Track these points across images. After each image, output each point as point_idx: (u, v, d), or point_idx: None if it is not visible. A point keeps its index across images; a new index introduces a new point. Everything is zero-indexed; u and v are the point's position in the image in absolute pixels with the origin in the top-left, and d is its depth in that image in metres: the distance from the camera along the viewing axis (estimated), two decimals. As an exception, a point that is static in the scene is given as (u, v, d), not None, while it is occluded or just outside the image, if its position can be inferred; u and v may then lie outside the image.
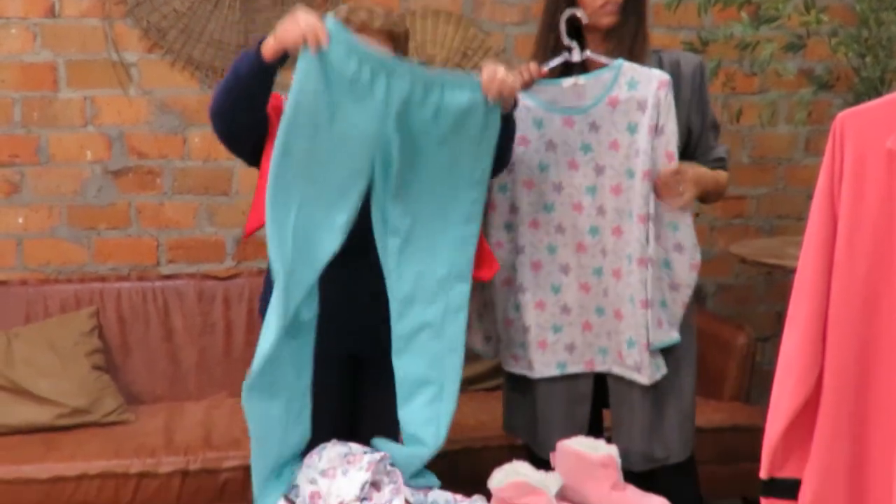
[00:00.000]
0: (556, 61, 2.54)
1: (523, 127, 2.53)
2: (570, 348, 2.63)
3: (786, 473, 1.90)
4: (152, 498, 3.03)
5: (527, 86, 2.52)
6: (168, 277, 3.70)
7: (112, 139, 3.68)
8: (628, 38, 2.52)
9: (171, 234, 3.79)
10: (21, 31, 3.59)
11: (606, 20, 2.49)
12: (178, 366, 3.60)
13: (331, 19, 2.17)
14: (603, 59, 2.51)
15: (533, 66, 2.53)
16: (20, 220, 3.67)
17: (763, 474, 1.91)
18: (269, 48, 2.18)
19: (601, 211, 2.54)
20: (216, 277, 3.70)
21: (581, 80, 2.51)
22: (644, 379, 2.54)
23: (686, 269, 2.55)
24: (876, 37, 3.28)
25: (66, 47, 3.62)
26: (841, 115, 1.82)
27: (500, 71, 2.27)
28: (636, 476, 2.59)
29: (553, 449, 2.60)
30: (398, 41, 2.40)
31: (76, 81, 3.64)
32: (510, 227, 2.62)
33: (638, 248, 2.47)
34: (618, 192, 2.51)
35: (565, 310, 2.62)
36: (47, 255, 3.71)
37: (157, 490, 3.03)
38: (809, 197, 1.96)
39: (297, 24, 2.14)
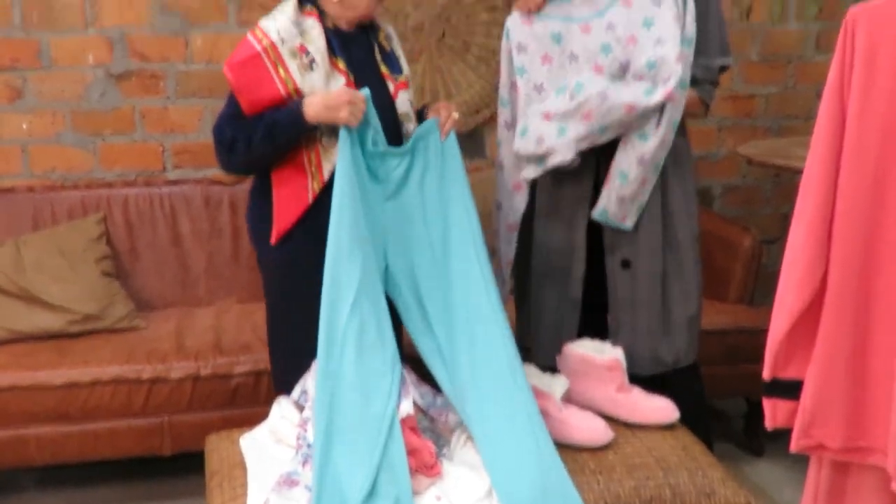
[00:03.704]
0: None
1: (543, 46, 2.57)
2: None
3: (788, 374, 1.92)
4: (164, 403, 3.06)
5: (538, 8, 2.56)
6: (174, 182, 3.69)
7: (113, 41, 3.63)
8: None
9: (176, 138, 3.76)
10: (16, -69, 3.52)
11: None
12: (186, 271, 3.61)
13: (366, 89, 2.34)
14: None
15: None
16: (24, 126, 3.64)
17: (766, 375, 1.93)
18: (315, 117, 2.31)
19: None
20: (222, 182, 3.69)
21: None
22: None
23: None
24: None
25: (64, -53, 3.55)
26: (853, 9, 1.81)
27: (452, 113, 2.44)
28: (642, 378, 2.61)
29: (557, 353, 2.63)
30: None
31: (75, -18, 3.58)
32: (541, 160, 2.60)
33: None
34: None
35: None
36: (53, 161, 3.70)
37: (169, 395, 3.06)
38: (819, 95, 1.94)
39: (346, 103, 2.27)
